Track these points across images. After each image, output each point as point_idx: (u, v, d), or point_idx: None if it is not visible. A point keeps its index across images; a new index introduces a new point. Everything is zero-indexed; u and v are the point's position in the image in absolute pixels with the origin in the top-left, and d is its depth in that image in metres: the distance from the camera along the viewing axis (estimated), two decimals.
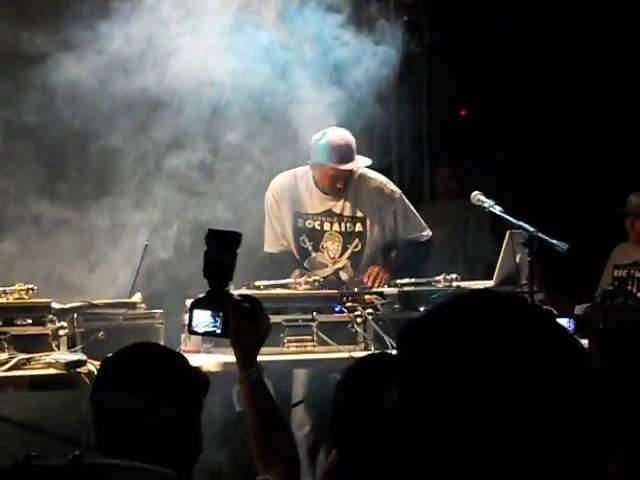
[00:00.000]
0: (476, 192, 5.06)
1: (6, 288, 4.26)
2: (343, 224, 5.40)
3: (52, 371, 3.94)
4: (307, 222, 5.38)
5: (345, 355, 4.35)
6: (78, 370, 3.89)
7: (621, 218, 6.32)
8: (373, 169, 5.42)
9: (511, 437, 1.19)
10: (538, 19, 7.10)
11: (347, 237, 5.40)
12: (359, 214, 5.40)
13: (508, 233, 4.87)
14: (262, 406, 2.38)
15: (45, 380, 3.94)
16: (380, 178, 5.46)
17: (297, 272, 5.15)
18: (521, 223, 4.73)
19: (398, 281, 5.04)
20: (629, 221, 6.30)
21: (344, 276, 5.40)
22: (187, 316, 4.07)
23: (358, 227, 5.41)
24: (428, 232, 5.51)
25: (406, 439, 1.24)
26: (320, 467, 4.67)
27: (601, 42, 7.13)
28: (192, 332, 2.43)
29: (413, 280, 5.07)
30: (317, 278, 4.82)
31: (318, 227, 5.39)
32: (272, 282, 4.86)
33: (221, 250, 2.39)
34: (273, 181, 5.40)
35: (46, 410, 4.29)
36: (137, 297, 4.49)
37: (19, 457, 1.79)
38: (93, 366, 3.87)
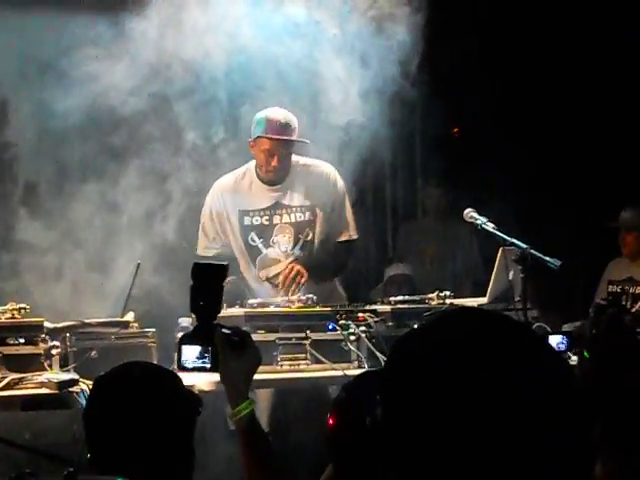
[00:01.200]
0: (469, 209, 5.06)
1: None
2: (293, 214, 5.32)
3: (44, 391, 3.92)
4: (254, 219, 5.29)
5: (339, 373, 4.35)
6: (70, 390, 3.88)
7: (615, 233, 6.33)
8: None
9: (494, 454, 1.19)
10: (532, 35, 7.13)
11: (298, 227, 5.32)
12: (307, 202, 5.33)
13: (501, 250, 4.87)
14: (254, 443, 2.35)
15: (37, 400, 3.92)
16: (327, 167, 5.38)
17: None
18: (514, 240, 4.74)
19: (391, 298, 5.04)
20: (621, 236, 6.31)
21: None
22: (180, 334, 4.04)
23: (308, 216, 5.33)
24: (354, 234, 5.45)
25: (393, 455, 1.24)
26: None
27: (593, 59, 7.16)
28: (181, 368, 2.39)
29: (406, 297, 5.07)
30: (311, 296, 4.80)
31: (266, 222, 5.30)
32: (264, 300, 4.85)
33: (208, 283, 2.36)
34: (215, 184, 5.33)
35: (38, 430, 4.27)
36: (129, 316, 4.48)
37: (12, 475, 1.78)
38: (85, 385, 3.85)
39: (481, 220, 4.97)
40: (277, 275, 5.23)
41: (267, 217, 5.29)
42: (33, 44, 6.20)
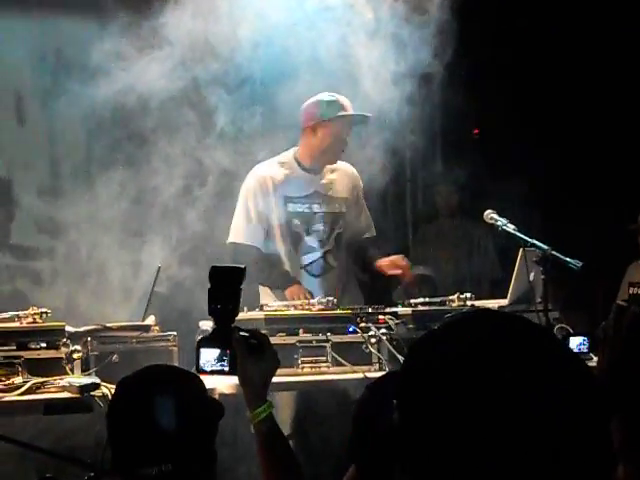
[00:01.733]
0: (489, 211, 5.05)
1: (19, 312, 4.26)
2: (330, 205, 5.41)
3: (66, 395, 3.93)
4: (297, 205, 5.35)
5: (359, 376, 4.34)
6: (92, 394, 3.88)
7: (634, 235, 6.29)
8: None
9: (512, 459, 1.18)
10: (553, 39, 7.10)
11: (334, 218, 5.41)
12: (341, 195, 5.44)
13: (521, 251, 4.84)
14: (272, 446, 2.35)
15: (59, 404, 3.93)
16: (349, 166, 5.52)
17: (295, 288, 5.14)
18: (534, 241, 4.72)
19: (412, 301, 5.03)
20: None
21: (331, 260, 5.40)
22: (199, 337, 4.06)
23: (342, 208, 5.44)
24: (373, 232, 5.59)
25: (409, 459, 1.23)
26: None
27: (617, 62, 7.12)
28: (200, 371, 2.40)
29: (427, 299, 5.06)
30: (331, 299, 4.79)
31: (307, 210, 5.37)
32: (285, 303, 4.85)
33: (225, 286, 2.36)
34: (254, 170, 5.35)
35: (60, 434, 4.28)
36: (151, 320, 4.48)
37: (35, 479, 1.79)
38: (107, 389, 3.86)
39: (501, 221, 4.95)
40: (312, 263, 5.33)
41: (308, 205, 5.38)
42: (64, 36, 6.23)
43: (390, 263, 5.31)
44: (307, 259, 5.35)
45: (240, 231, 5.28)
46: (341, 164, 5.48)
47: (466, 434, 1.19)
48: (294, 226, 5.33)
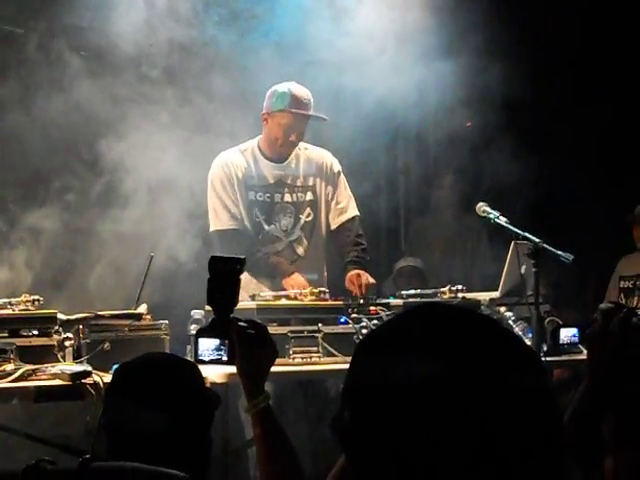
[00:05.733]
0: (481, 203, 5.05)
1: (12, 299, 4.27)
2: (294, 194, 5.37)
3: (58, 382, 3.93)
4: (258, 195, 5.31)
5: None
6: (84, 381, 3.89)
7: (628, 228, 6.30)
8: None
9: (463, 453, 1.17)
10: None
11: (299, 207, 5.37)
12: (309, 182, 5.39)
13: (513, 244, 4.86)
14: (270, 437, 2.34)
15: (50, 391, 3.93)
16: (324, 151, 5.47)
17: (295, 279, 5.10)
18: (526, 234, 4.73)
19: (403, 292, 5.04)
20: (637, 231, 6.27)
21: (299, 249, 5.38)
22: (192, 326, 4.06)
23: (309, 196, 5.39)
24: (354, 211, 5.48)
25: (361, 457, 1.24)
26: None
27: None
28: (198, 361, 2.40)
29: (418, 291, 5.07)
30: (323, 289, 4.80)
31: (268, 199, 5.32)
32: (277, 293, 4.86)
33: (224, 277, 2.37)
34: (218, 158, 5.31)
35: (51, 421, 4.29)
36: (142, 308, 4.49)
37: (31, 462, 1.79)
38: (99, 377, 3.87)
39: (494, 214, 4.96)
40: (278, 253, 5.27)
41: (269, 194, 5.32)
42: None
43: (348, 280, 5.12)
44: (270, 249, 5.27)
45: (220, 218, 5.24)
46: (312, 149, 5.42)
47: (413, 429, 1.18)
48: (254, 215, 5.29)
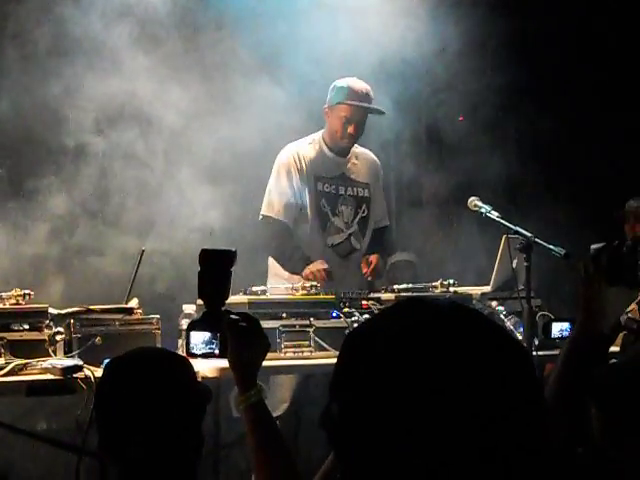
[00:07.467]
0: (473, 197, 5.04)
1: (2, 293, 4.25)
2: (355, 188, 5.56)
3: (48, 377, 3.92)
4: (325, 185, 5.47)
5: None
6: (75, 376, 3.87)
7: (620, 223, 6.29)
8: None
9: (450, 444, 1.18)
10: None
11: (358, 201, 5.56)
12: (367, 179, 5.60)
13: (504, 238, 4.85)
14: (262, 430, 2.33)
15: (41, 385, 3.92)
16: (372, 154, 5.70)
17: (313, 265, 5.20)
18: (518, 228, 4.72)
19: (395, 286, 5.04)
20: (628, 226, 6.26)
21: (355, 243, 5.54)
22: (184, 321, 4.03)
23: (365, 192, 5.60)
24: (387, 221, 5.78)
25: (348, 450, 1.23)
26: None
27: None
28: (190, 354, 2.39)
29: (410, 285, 5.07)
30: (314, 284, 4.80)
31: (334, 191, 5.50)
32: (269, 287, 4.85)
33: (216, 269, 2.35)
34: (287, 147, 5.47)
35: (42, 415, 4.28)
36: (134, 302, 4.48)
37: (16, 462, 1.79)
38: (90, 371, 3.86)
39: (485, 208, 4.95)
40: (340, 244, 5.45)
41: (335, 186, 5.51)
42: None
43: (364, 261, 5.41)
44: (334, 240, 5.46)
45: (274, 205, 5.38)
46: (365, 151, 5.65)
47: (400, 421, 1.19)
48: (322, 205, 5.45)
